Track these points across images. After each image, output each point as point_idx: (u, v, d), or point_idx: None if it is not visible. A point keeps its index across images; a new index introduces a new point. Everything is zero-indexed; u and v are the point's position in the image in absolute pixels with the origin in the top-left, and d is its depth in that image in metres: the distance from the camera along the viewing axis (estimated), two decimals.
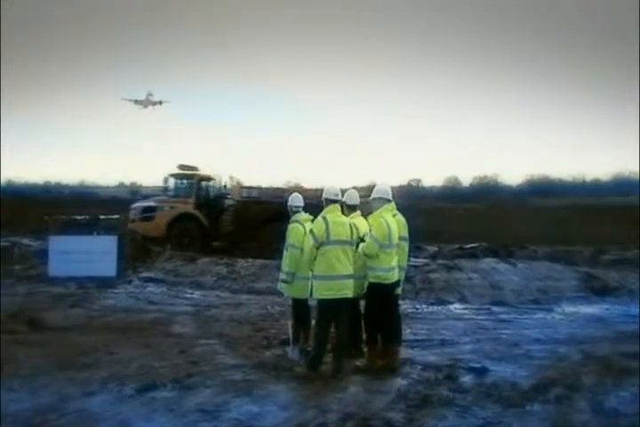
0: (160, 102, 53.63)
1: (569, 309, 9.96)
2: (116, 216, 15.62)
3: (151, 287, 11.65)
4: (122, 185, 63.46)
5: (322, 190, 6.50)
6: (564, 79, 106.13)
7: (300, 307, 6.68)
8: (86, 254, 11.99)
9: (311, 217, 6.62)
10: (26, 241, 16.10)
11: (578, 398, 5.42)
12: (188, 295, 11.03)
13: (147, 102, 53.08)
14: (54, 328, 7.92)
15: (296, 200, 6.79)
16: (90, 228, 13.78)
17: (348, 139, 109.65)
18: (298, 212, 6.73)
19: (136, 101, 52.69)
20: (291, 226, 6.63)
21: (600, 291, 11.13)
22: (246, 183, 18.04)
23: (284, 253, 6.61)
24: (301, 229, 6.49)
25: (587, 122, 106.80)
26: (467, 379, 5.91)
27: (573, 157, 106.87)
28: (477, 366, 6.32)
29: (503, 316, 9.30)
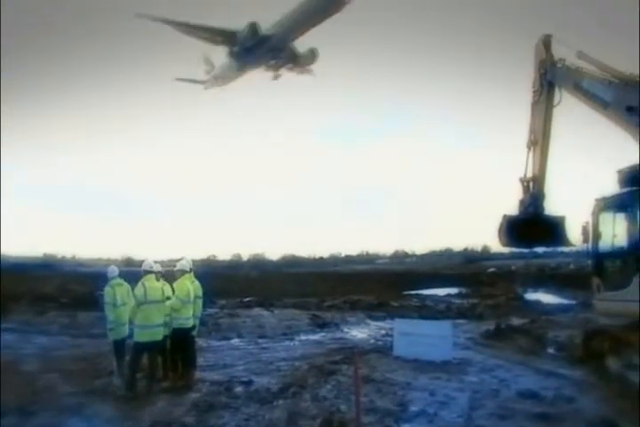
0: None
1: (303, 337, 10.52)
2: None
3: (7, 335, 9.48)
4: None
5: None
6: None
7: (119, 345, 6.28)
8: None
9: (121, 280, 6.44)
10: None
11: (305, 393, 5.89)
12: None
13: None
14: None
15: (111, 271, 6.53)
16: None
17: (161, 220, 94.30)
18: (114, 278, 6.46)
19: None
20: (105, 289, 6.36)
21: (321, 325, 12.06)
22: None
23: (105, 308, 6.25)
24: (111, 290, 6.30)
25: None
26: (239, 389, 6.01)
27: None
28: (246, 379, 6.45)
29: (264, 345, 9.48)
